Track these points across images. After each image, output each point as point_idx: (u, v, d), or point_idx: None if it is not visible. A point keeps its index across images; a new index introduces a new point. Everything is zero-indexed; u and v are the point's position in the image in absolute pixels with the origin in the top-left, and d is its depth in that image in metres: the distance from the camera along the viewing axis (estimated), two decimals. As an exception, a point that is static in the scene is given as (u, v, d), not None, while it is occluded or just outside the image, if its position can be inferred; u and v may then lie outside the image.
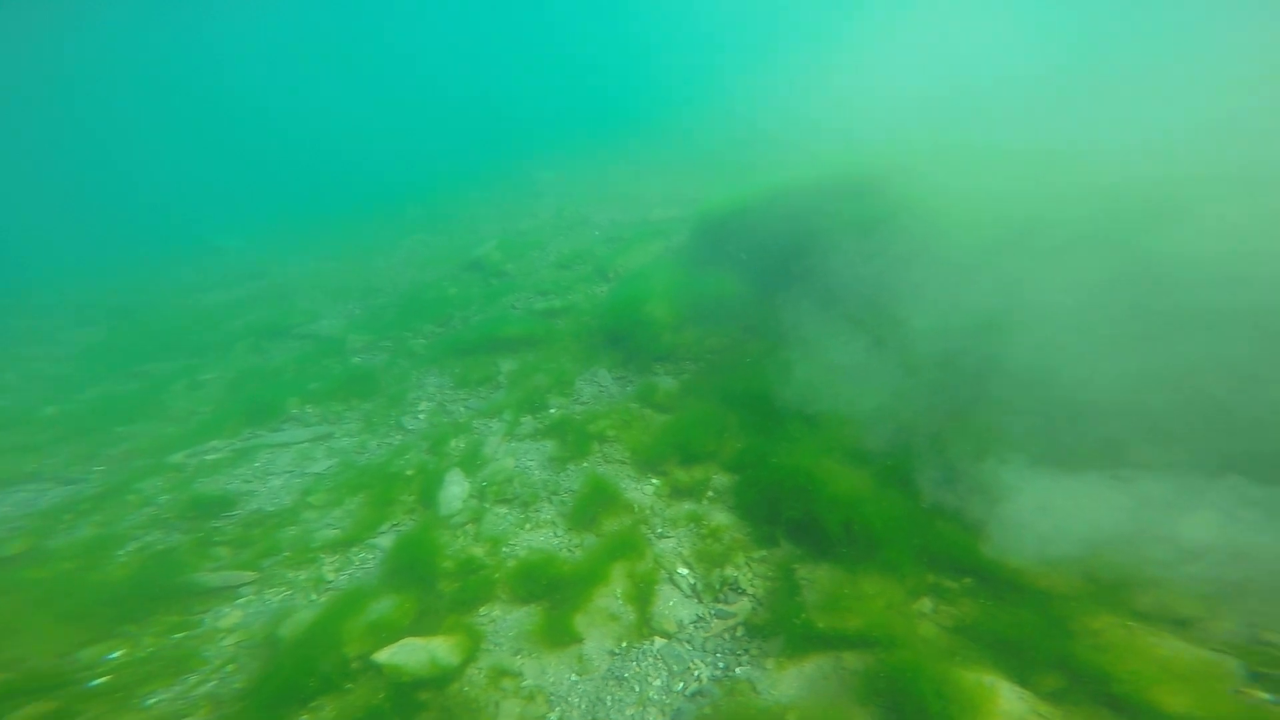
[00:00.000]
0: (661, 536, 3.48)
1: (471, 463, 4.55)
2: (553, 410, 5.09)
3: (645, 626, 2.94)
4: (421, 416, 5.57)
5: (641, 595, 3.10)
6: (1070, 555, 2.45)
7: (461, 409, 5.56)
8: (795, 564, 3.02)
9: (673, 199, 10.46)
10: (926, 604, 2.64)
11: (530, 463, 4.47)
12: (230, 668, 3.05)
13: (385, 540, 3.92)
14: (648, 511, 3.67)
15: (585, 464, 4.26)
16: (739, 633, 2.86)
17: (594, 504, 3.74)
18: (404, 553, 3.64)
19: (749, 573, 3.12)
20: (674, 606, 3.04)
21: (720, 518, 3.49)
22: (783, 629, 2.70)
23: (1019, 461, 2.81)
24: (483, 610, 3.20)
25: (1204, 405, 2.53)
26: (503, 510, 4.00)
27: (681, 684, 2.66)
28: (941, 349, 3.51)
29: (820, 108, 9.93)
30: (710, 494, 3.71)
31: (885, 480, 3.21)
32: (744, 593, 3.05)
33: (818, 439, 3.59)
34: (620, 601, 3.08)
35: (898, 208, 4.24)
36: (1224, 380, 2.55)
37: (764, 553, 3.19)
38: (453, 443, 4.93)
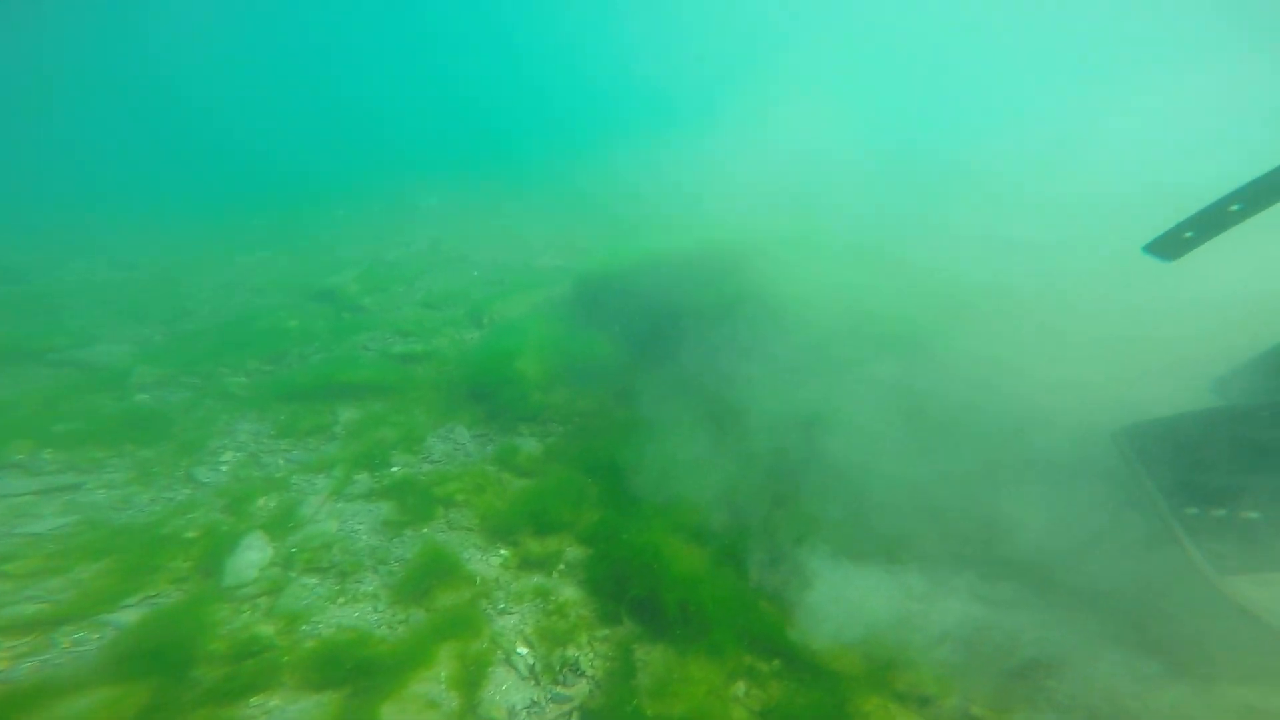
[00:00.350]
0: (504, 612, 3.41)
1: (282, 525, 4.08)
2: (395, 468, 4.81)
3: (470, 714, 2.80)
4: (224, 468, 4.85)
5: (470, 678, 2.97)
6: (855, 639, 2.96)
7: (280, 461, 4.97)
8: (635, 644, 3.16)
9: (561, 246, 10.88)
10: (740, 687, 2.91)
11: (358, 526, 4.13)
12: None
13: (129, 616, 3.28)
14: (491, 584, 3.60)
15: (425, 530, 4.07)
16: (574, 718, 2.90)
17: (428, 575, 3.57)
18: (153, 631, 3.09)
19: (590, 652, 3.18)
20: (507, 690, 2.96)
21: (569, 592, 3.55)
22: (615, 716, 2.77)
23: (825, 550, 3.41)
24: (255, 700, 2.80)
25: (961, 506, 3.34)
26: (312, 581, 3.62)
27: (502, 782, 2.60)
28: (775, 438, 4.18)
29: (704, 185, 11.63)
30: (562, 567, 3.77)
31: (721, 560, 3.57)
32: (584, 674, 3.09)
33: (668, 516, 3.90)
34: (443, 686, 2.91)
35: (752, 293, 5.19)
36: (976, 484, 3.42)
37: (607, 631, 3.29)
38: (261, 501, 4.37)
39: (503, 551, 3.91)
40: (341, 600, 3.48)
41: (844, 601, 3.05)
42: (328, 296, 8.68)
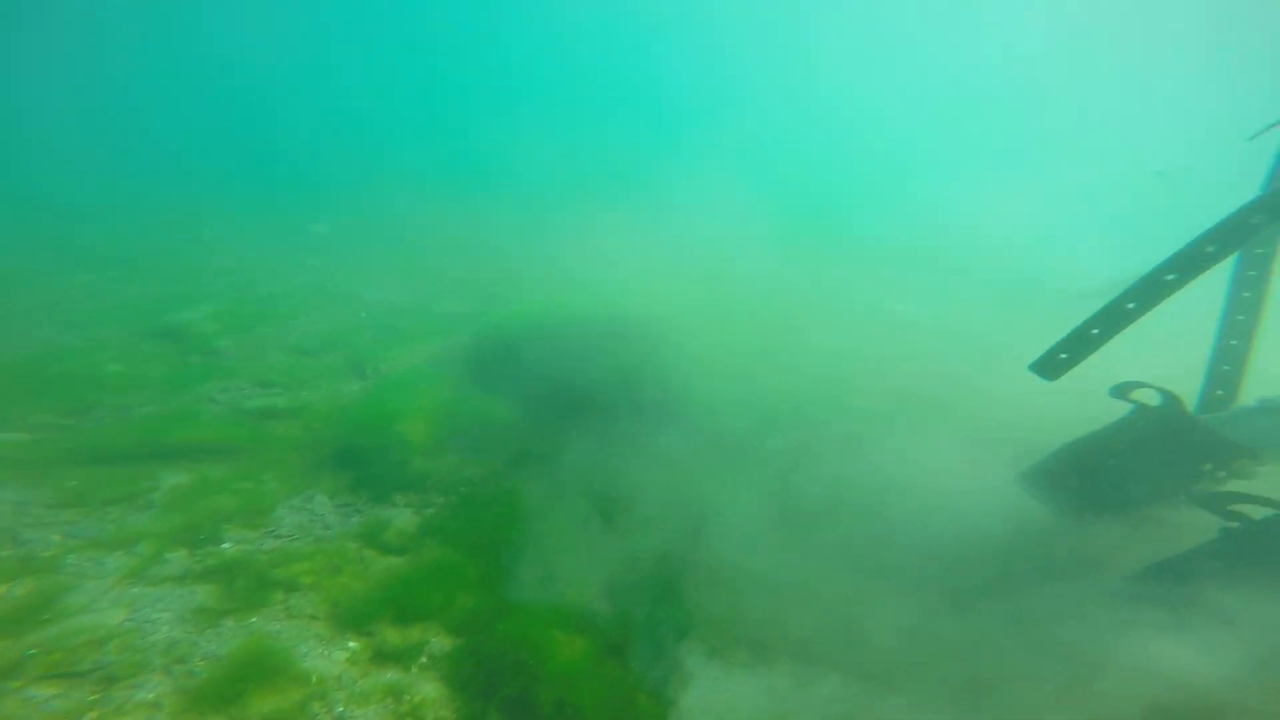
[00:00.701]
0: (341, 717, 2.94)
1: (26, 619, 3.32)
2: (228, 545, 4.18)
3: None
4: (-49, 545, 3.92)
5: (279, 813, 2.51)
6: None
7: (55, 538, 4.10)
8: (502, 752, 2.84)
9: (467, 289, 10.64)
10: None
11: (159, 615, 3.45)
12: None
13: None
14: (331, 683, 3.10)
15: (254, 619, 3.49)
16: None
17: (244, 675, 3.00)
18: None
19: (446, 765, 2.86)
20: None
21: (428, 690, 3.15)
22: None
23: (704, 648, 3.44)
24: None
25: (828, 603, 3.50)
26: (47, 692, 2.90)
27: None
28: (667, 523, 4.25)
29: (622, 248, 12.24)
30: (424, 660, 3.37)
31: (605, 653, 3.43)
32: (436, 796, 2.74)
33: (551, 605, 3.71)
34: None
35: (655, 367, 5.48)
36: (843, 580, 3.62)
37: (470, 736, 2.92)
38: (1, 589, 3.55)
39: (352, 643, 3.43)
40: (94, 714, 2.79)
41: (718, 704, 3.03)
42: (173, 335, 7.75)
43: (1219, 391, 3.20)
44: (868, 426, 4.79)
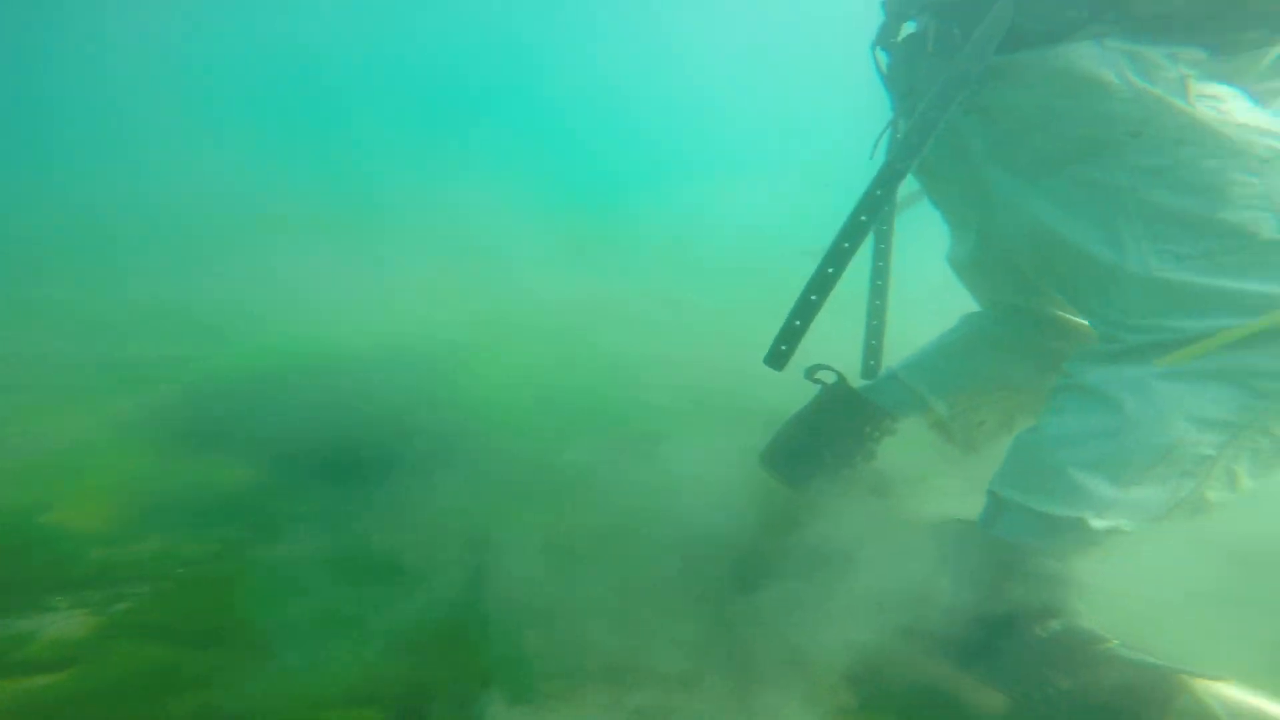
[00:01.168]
0: None
1: None
2: None
3: None
4: None
5: None
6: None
7: None
8: None
9: (176, 325, 8.68)
10: None
11: None
12: None
13: None
14: None
15: None
16: None
17: None
18: None
19: None
20: None
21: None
22: None
23: (505, 696, 3.47)
24: None
25: (623, 623, 3.50)
26: None
27: None
28: (455, 575, 4.01)
29: (397, 269, 11.66)
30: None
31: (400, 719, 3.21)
32: None
33: (321, 682, 3.32)
34: None
35: (436, 394, 5.36)
36: (627, 601, 3.61)
37: None
38: None
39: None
40: None
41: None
42: None
43: (871, 363, 3.98)
44: (659, 424, 5.32)
